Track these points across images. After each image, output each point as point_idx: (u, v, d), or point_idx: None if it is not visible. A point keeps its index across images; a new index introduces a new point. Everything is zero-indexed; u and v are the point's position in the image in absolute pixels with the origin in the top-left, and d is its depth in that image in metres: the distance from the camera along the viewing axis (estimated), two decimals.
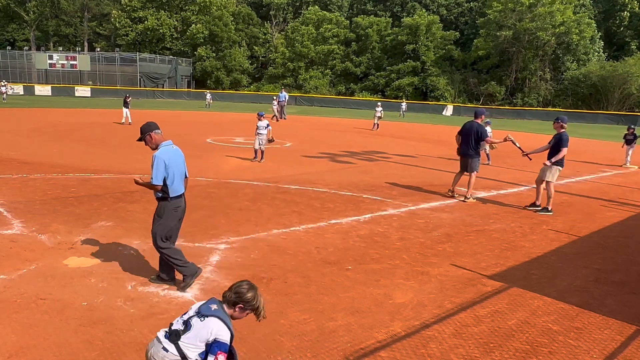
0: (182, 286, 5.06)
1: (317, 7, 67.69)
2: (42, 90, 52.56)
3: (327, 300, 5.02)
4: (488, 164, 15.51)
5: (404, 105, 44.02)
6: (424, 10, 64.37)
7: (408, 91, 59.75)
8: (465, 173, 10.19)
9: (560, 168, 9.34)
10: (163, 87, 60.49)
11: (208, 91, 49.70)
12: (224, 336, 2.86)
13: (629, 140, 17.57)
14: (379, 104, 31.42)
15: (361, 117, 39.64)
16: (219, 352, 2.83)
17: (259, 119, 13.91)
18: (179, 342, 2.88)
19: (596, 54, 58.80)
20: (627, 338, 4.51)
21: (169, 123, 26.05)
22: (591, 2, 60.94)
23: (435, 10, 65.66)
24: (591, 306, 5.18)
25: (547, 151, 9.52)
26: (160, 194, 4.97)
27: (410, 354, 4.05)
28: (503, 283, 5.69)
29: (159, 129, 5.05)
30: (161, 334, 3.00)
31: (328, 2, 71.06)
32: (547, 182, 9.35)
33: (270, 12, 71.76)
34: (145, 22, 65.28)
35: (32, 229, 6.86)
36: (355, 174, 12.89)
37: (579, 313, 5.00)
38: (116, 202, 8.50)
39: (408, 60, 60.95)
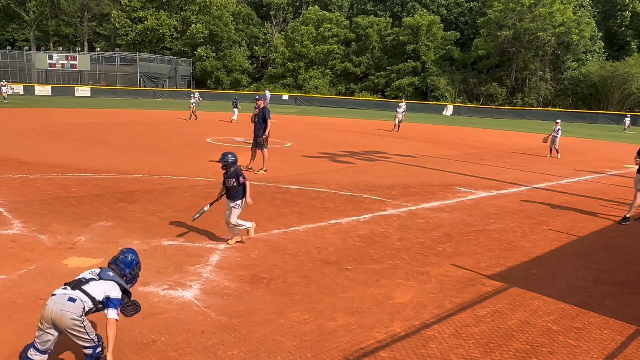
0: None
1: (317, 7, 67.63)
2: (42, 90, 52.50)
3: (327, 300, 5.02)
4: (550, 157, 18.03)
5: (403, 104, 43.98)
6: (424, 10, 64.34)
7: (408, 91, 59.69)
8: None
9: None
10: (163, 87, 60.44)
11: (196, 90, 48.76)
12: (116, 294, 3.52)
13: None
14: (400, 104, 30.65)
15: (362, 117, 39.61)
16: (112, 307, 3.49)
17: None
18: (83, 287, 3.43)
19: (596, 54, 58.81)
20: (627, 338, 4.51)
21: (169, 123, 26.11)
22: (590, 2, 60.94)
23: (435, 10, 65.61)
24: (591, 306, 5.17)
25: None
26: None
27: (410, 354, 4.05)
28: (503, 283, 5.69)
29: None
30: (61, 289, 3.42)
31: (328, 2, 71.00)
32: None
33: (270, 12, 71.72)
34: (145, 22, 65.22)
35: (32, 229, 6.85)
36: (355, 174, 12.88)
37: (579, 313, 5.00)
38: (116, 202, 8.49)
39: (408, 60, 60.89)
